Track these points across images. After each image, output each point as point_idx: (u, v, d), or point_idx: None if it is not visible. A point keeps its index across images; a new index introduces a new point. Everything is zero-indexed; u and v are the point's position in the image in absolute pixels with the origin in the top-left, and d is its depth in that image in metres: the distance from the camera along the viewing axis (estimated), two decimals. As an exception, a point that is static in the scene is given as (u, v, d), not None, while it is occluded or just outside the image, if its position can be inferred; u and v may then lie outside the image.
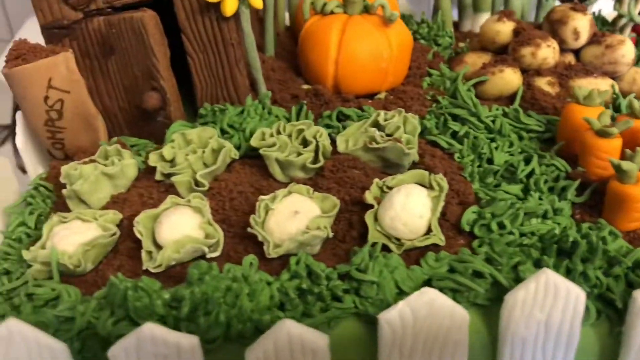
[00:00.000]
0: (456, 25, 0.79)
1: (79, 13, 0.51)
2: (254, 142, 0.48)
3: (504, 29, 0.60)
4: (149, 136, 0.56)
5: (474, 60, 0.61)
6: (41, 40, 0.52)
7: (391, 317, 0.34)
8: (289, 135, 0.48)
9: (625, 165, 0.42)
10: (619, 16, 0.67)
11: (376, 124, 0.49)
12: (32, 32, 0.56)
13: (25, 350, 0.33)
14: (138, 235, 0.41)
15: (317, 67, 0.58)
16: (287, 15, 0.77)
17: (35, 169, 0.54)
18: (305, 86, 0.59)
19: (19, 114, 0.53)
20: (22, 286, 0.41)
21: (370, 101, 0.58)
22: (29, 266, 0.41)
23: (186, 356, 0.33)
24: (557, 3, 0.78)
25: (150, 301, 0.36)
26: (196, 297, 0.36)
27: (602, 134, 0.46)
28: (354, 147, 0.48)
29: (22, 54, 0.50)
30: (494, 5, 0.74)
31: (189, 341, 0.33)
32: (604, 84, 0.57)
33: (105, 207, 0.46)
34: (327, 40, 0.56)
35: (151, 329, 0.32)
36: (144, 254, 0.41)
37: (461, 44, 0.71)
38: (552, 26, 0.59)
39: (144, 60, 0.52)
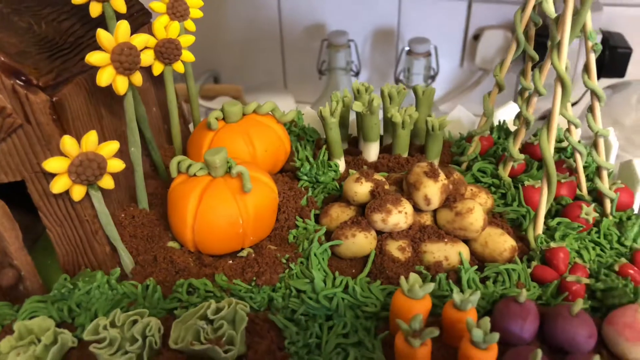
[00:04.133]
0: (356, 140, 0.80)
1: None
2: (86, 335, 0.49)
3: (361, 190, 0.60)
4: (15, 300, 0.57)
5: (338, 214, 0.62)
6: None
7: None
8: (122, 325, 0.50)
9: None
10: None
11: (207, 316, 0.50)
12: None
13: None
14: None
15: (178, 231, 0.59)
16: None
17: None
18: (171, 243, 0.61)
19: None
20: None
21: (230, 262, 0.59)
22: None
23: None
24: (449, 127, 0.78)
25: None
26: None
27: (408, 341, 0.46)
28: (181, 343, 0.49)
29: None
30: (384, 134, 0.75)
31: None
32: (452, 251, 0.57)
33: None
34: (185, 209, 0.57)
35: None
36: None
37: (352, 172, 0.72)
38: (408, 188, 0.60)
39: (-1, 240, 0.54)
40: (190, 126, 0.80)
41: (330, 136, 0.71)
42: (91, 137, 0.50)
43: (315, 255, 0.57)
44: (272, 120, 0.72)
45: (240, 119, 0.70)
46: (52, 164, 0.49)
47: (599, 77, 1.28)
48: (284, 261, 0.58)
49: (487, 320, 0.47)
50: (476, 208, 0.57)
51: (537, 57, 0.69)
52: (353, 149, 0.79)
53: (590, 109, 0.63)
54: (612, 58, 1.25)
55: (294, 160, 0.72)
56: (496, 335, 0.46)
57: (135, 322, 0.50)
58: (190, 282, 0.55)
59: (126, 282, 0.55)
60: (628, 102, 1.26)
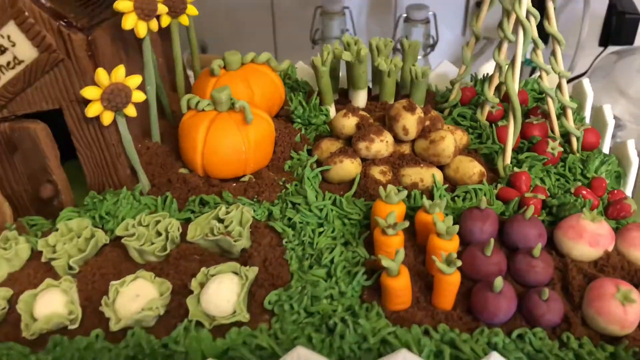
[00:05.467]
0: (347, 92, 1.02)
1: (-12, 120, 0.75)
2: (118, 231, 0.71)
3: (348, 123, 0.82)
4: (48, 215, 0.79)
5: (328, 146, 0.84)
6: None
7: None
8: (147, 225, 0.72)
9: (385, 262, 0.64)
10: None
11: (218, 217, 0.72)
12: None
13: None
14: (19, 311, 0.64)
15: (189, 157, 0.81)
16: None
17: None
18: (182, 170, 0.83)
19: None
20: None
21: (234, 185, 0.81)
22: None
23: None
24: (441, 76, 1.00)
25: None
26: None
27: (384, 232, 0.68)
28: (197, 237, 0.71)
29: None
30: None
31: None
32: (427, 174, 0.79)
33: (1, 283, 0.70)
34: (195, 137, 0.79)
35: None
36: (22, 325, 0.64)
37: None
38: (389, 121, 0.82)
39: (40, 159, 0.75)
40: (191, 80, 1.02)
41: (322, 83, 0.93)
42: (120, 70, 0.72)
43: (308, 178, 0.79)
44: (268, 68, 0.94)
45: (239, 67, 0.92)
46: (89, 92, 0.71)
47: (605, 44, 1.47)
48: (281, 183, 0.80)
49: (450, 218, 0.69)
50: (448, 136, 0.79)
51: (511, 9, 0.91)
52: (343, 99, 1.01)
53: (553, 52, 0.85)
54: (619, 24, 1.42)
55: (288, 105, 0.94)
56: (456, 228, 0.68)
57: (158, 222, 0.72)
58: (201, 197, 0.77)
59: (147, 195, 0.78)
60: (630, 68, 1.42)
